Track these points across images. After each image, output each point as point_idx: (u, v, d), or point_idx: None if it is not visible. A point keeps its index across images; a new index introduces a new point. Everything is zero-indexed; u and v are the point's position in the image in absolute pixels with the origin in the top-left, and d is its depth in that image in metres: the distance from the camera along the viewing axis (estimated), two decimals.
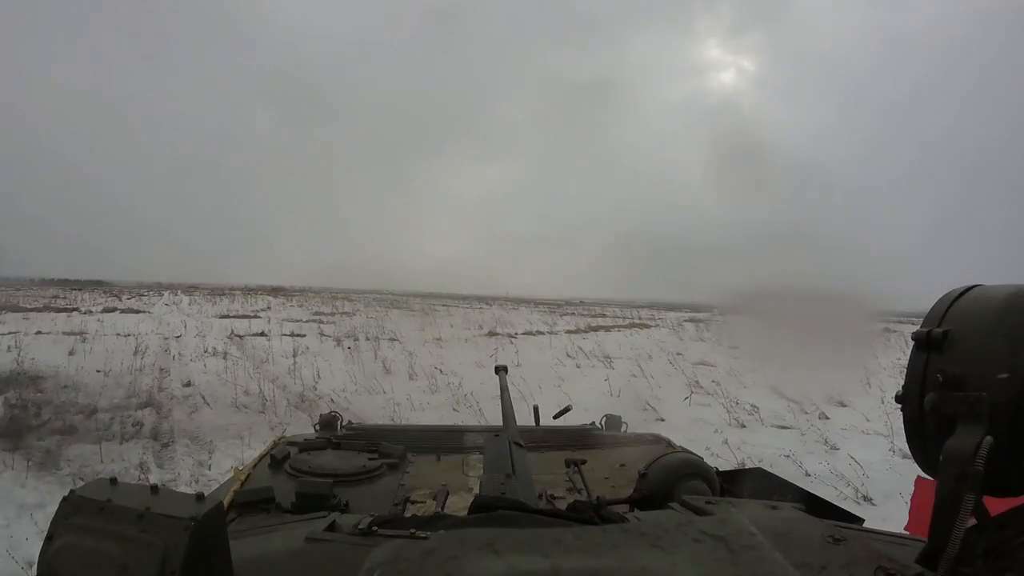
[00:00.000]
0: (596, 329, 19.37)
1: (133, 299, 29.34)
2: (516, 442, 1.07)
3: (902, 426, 0.71)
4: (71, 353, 9.80)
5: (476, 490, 1.03)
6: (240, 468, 1.40)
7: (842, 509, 1.13)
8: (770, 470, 1.42)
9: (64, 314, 17.91)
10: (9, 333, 11.34)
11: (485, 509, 0.71)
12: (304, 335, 14.42)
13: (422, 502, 1.28)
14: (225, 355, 10.41)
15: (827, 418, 6.96)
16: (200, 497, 0.57)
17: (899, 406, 0.70)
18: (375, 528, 0.76)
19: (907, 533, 0.81)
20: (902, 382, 0.70)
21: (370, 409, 6.83)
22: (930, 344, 0.67)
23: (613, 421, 2.06)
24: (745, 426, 6.66)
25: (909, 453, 0.71)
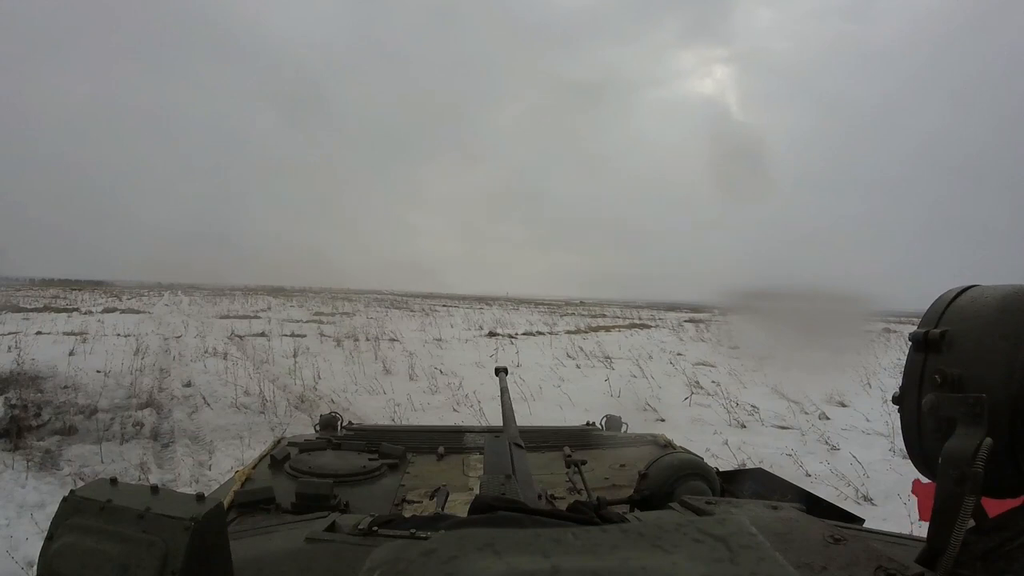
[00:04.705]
0: (596, 329, 19.37)
1: (133, 299, 29.36)
2: (516, 443, 1.07)
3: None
4: (71, 353, 9.80)
5: (476, 490, 1.03)
6: (241, 469, 1.40)
7: (842, 509, 1.13)
8: (770, 470, 1.42)
9: (64, 314, 17.93)
10: (9, 333, 11.35)
11: (485, 509, 0.71)
12: (304, 335, 14.42)
13: (421, 502, 1.28)
14: (225, 355, 10.41)
15: (827, 418, 6.96)
16: (200, 497, 0.57)
17: (897, 407, 0.70)
18: (375, 528, 0.76)
19: (907, 533, 0.81)
20: (900, 383, 0.70)
21: (370, 409, 6.84)
22: (928, 345, 0.67)
23: (613, 421, 2.06)
24: (745, 426, 6.66)
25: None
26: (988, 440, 0.56)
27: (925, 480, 0.70)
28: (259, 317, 20.21)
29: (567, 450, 1.67)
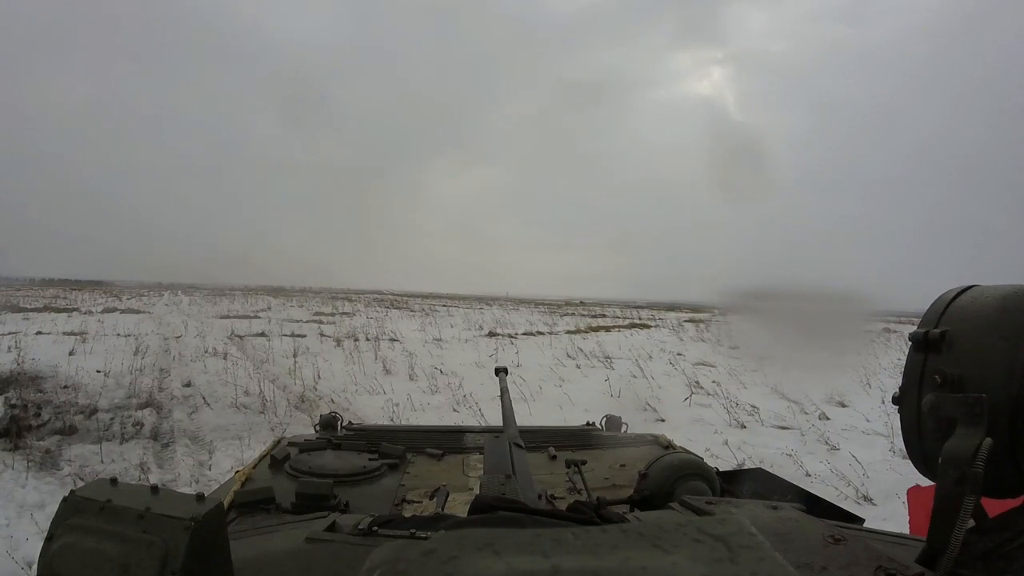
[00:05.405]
0: (596, 329, 19.37)
1: (133, 299, 29.38)
2: (516, 443, 1.07)
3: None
4: (71, 353, 9.80)
5: (476, 490, 1.03)
6: (241, 469, 1.40)
7: (842, 509, 1.13)
8: (770, 470, 1.42)
9: (64, 314, 17.93)
10: (9, 333, 11.34)
11: (485, 509, 0.71)
12: (304, 335, 14.42)
13: (421, 502, 1.28)
14: (225, 355, 10.40)
15: (827, 418, 6.96)
16: (200, 497, 0.57)
17: (897, 407, 0.70)
18: (375, 528, 0.77)
19: (907, 533, 0.81)
20: (900, 383, 0.70)
21: (370, 409, 6.84)
22: (928, 345, 0.67)
23: (613, 421, 2.06)
24: (745, 426, 6.66)
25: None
26: (988, 440, 0.56)
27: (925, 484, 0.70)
28: (259, 317, 20.20)
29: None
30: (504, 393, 1.49)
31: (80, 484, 1.34)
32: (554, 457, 1.63)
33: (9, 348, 9.05)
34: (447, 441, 1.75)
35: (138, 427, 5.89)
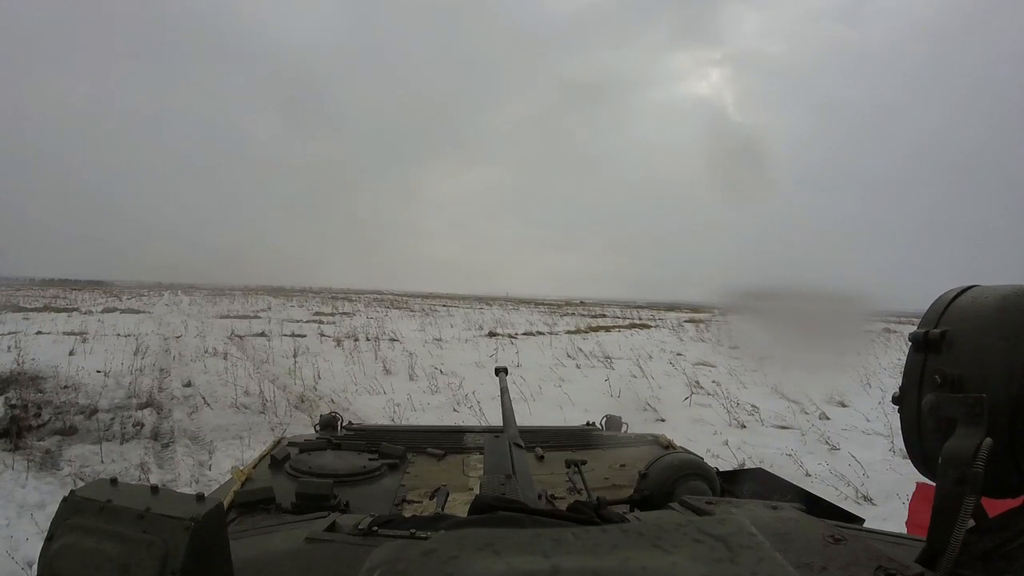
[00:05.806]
0: (596, 329, 19.37)
1: (133, 299, 29.40)
2: (516, 443, 1.07)
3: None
4: (71, 353, 9.80)
5: (476, 490, 1.03)
6: (240, 469, 1.40)
7: (842, 509, 1.13)
8: (770, 470, 1.42)
9: (64, 314, 17.94)
10: (9, 333, 11.35)
11: (485, 509, 0.71)
12: (304, 335, 14.43)
13: (421, 502, 1.28)
14: (225, 355, 10.41)
15: (827, 418, 6.96)
16: (200, 497, 0.57)
17: (897, 407, 0.70)
18: (375, 528, 0.77)
19: (907, 533, 0.81)
20: (900, 383, 0.70)
21: (370, 410, 6.84)
22: (928, 345, 0.67)
23: (613, 421, 2.06)
24: (745, 426, 6.66)
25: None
26: (988, 440, 0.56)
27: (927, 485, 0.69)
28: (259, 317, 20.22)
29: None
30: (504, 393, 1.49)
31: (80, 484, 1.34)
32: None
33: (9, 348, 9.05)
34: (447, 441, 1.75)
35: (138, 427, 5.89)
